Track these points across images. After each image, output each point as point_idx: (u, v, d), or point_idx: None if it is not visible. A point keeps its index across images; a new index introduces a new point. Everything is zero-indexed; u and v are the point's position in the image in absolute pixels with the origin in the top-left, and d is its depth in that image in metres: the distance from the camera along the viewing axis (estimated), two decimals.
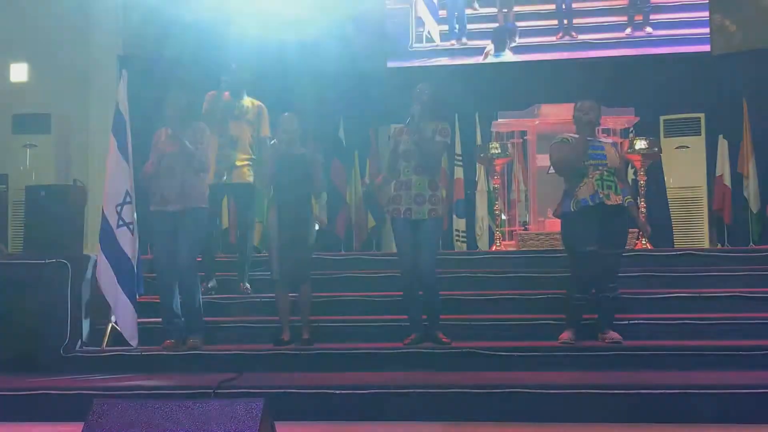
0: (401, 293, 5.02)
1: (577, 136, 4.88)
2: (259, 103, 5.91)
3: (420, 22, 9.43)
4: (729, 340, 4.82)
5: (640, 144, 6.68)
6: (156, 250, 5.02)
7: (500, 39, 9.25)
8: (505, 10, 9.30)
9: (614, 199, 4.74)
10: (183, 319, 5.02)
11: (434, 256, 4.92)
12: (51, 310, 4.95)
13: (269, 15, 8.86)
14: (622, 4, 9.17)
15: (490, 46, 9.30)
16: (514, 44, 9.23)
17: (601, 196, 4.72)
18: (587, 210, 4.74)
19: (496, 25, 9.32)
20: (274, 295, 5.14)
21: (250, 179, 5.76)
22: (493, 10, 9.35)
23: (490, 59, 9.28)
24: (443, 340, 4.85)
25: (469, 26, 9.38)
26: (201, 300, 5.08)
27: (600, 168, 4.75)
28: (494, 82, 9.36)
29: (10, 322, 4.97)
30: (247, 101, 5.87)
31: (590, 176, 4.75)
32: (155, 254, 5.03)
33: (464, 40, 9.35)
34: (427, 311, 4.95)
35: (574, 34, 9.20)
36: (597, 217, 4.74)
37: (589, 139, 4.85)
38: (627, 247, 6.19)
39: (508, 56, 9.25)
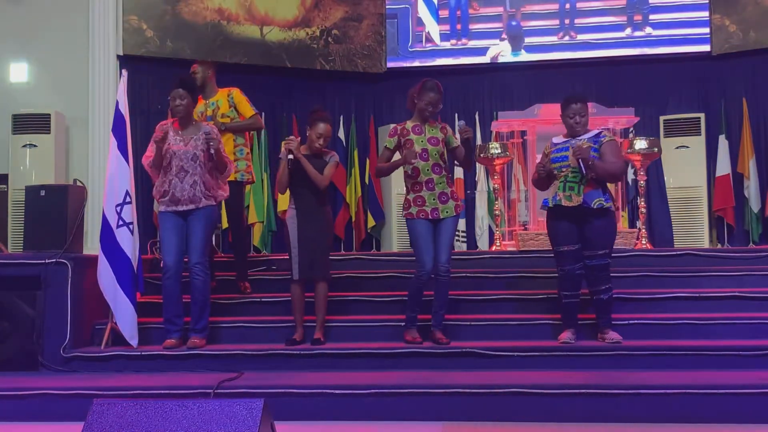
0: (407, 292, 5.01)
1: (559, 138, 4.94)
2: (229, 90, 5.78)
3: (420, 22, 9.44)
4: (729, 340, 4.82)
5: (640, 144, 6.67)
6: (164, 248, 5.01)
7: (515, 39, 9.26)
8: (513, 11, 9.31)
9: (575, 201, 4.74)
10: (185, 318, 5.02)
11: (451, 252, 4.95)
12: (51, 310, 4.95)
13: (269, 14, 8.88)
14: (621, 5, 9.17)
15: (501, 47, 9.28)
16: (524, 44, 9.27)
17: (558, 198, 4.78)
18: (553, 210, 4.83)
19: (499, 24, 9.32)
20: (273, 295, 5.15)
21: (237, 176, 5.69)
22: (493, 9, 9.35)
23: (508, 58, 9.28)
24: (442, 340, 4.85)
25: (470, 26, 9.38)
26: (210, 298, 5.07)
27: (564, 169, 4.79)
28: (494, 82, 9.38)
29: (10, 321, 4.97)
30: (218, 95, 5.77)
31: (558, 178, 4.83)
32: (163, 252, 5.01)
33: (464, 40, 9.36)
34: (434, 310, 4.94)
35: (573, 34, 9.20)
36: (571, 219, 4.78)
37: (560, 141, 4.89)
38: (626, 247, 6.22)
39: (523, 56, 9.26)
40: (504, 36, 9.31)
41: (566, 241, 4.78)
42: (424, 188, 4.91)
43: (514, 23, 9.29)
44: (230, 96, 5.76)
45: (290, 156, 4.91)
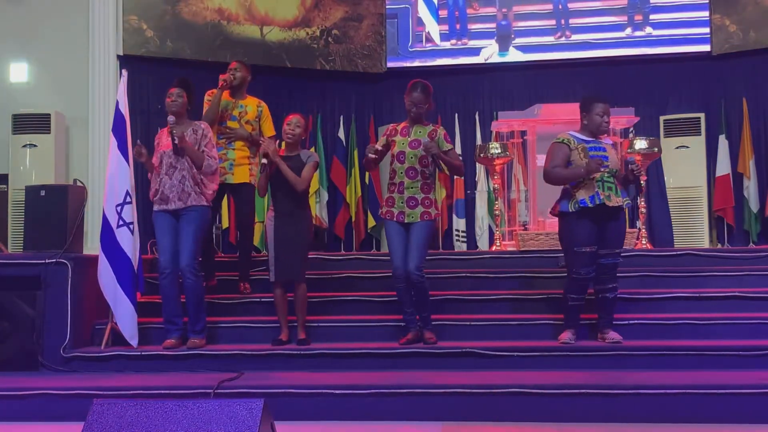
0: (395, 294, 5.01)
1: (580, 135, 4.85)
2: (260, 102, 5.87)
3: (420, 22, 9.44)
4: (729, 340, 4.82)
5: (640, 144, 6.66)
6: (159, 248, 5.02)
7: (503, 39, 9.27)
8: (505, 10, 9.31)
9: (615, 201, 4.71)
10: (184, 318, 5.03)
11: (422, 258, 4.87)
12: (51, 310, 4.95)
13: (269, 14, 8.87)
14: (621, 5, 9.18)
15: (491, 48, 9.30)
16: (513, 43, 9.27)
17: (601, 197, 4.69)
18: (586, 211, 4.72)
19: (494, 25, 9.33)
20: (273, 295, 5.14)
21: (250, 179, 5.75)
22: (493, 9, 9.36)
23: (495, 58, 9.29)
24: (431, 339, 4.86)
25: (469, 26, 9.39)
26: (204, 299, 5.08)
27: (603, 169, 4.71)
28: (494, 82, 9.39)
29: (10, 321, 4.97)
30: (248, 100, 5.84)
31: (591, 177, 4.72)
32: (158, 252, 5.02)
33: (464, 40, 9.36)
34: (418, 312, 4.95)
35: (568, 33, 9.19)
36: (595, 219, 4.73)
37: (588, 139, 4.83)
38: (627, 247, 6.21)
39: (513, 55, 9.26)
40: (496, 38, 9.32)
41: (589, 242, 4.71)
42: (396, 190, 4.91)
43: (504, 23, 9.29)
44: (260, 108, 5.82)
45: (264, 161, 4.92)
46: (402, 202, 4.88)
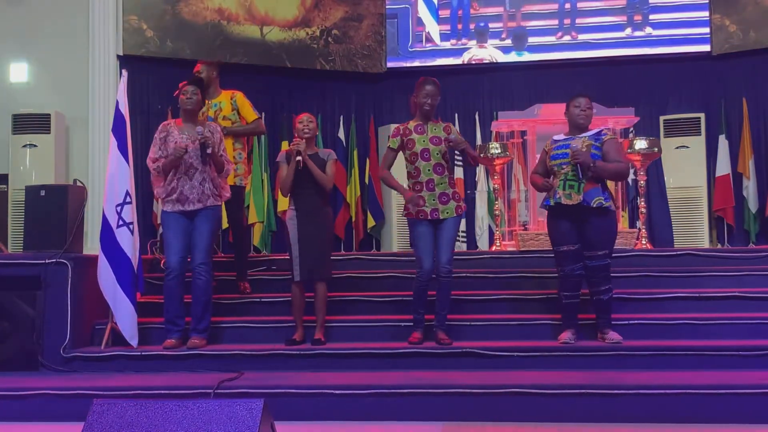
0: (412, 293, 4.98)
1: (561, 136, 4.92)
2: (232, 92, 5.75)
3: (420, 22, 9.44)
4: (729, 340, 4.82)
5: (640, 144, 6.67)
6: (168, 248, 5.00)
7: (519, 39, 9.27)
8: (513, 10, 9.31)
9: (575, 199, 4.72)
10: (186, 318, 5.02)
11: (452, 252, 4.93)
12: (51, 310, 4.95)
13: (269, 14, 8.87)
14: (621, 5, 9.18)
15: (474, 51, 9.30)
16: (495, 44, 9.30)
17: (558, 196, 4.75)
18: (552, 210, 4.82)
19: (499, 24, 9.33)
20: (273, 295, 5.15)
21: (237, 180, 5.63)
22: (494, 9, 9.35)
23: (512, 57, 9.29)
24: (444, 340, 4.85)
25: (471, 26, 9.38)
26: (212, 299, 5.07)
27: (564, 167, 4.76)
28: (494, 82, 9.38)
29: (10, 321, 4.97)
30: (221, 96, 5.73)
31: (558, 176, 4.80)
32: (167, 252, 5.01)
33: (464, 40, 9.36)
34: (436, 310, 4.94)
35: (574, 34, 9.20)
36: (572, 218, 4.76)
37: (561, 138, 4.89)
38: (626, 247, 6.21)
39: (524, 56, 9.27)
40: (504, 36, 9.32)
41: (566, 241, 4.77)
42: (425, 188, 4.91)
43: (482, 24, 9.26)
44: (233, 99, 5.74)
45: (299, 158, 4.91)
46: (434, 199, 4.89)
